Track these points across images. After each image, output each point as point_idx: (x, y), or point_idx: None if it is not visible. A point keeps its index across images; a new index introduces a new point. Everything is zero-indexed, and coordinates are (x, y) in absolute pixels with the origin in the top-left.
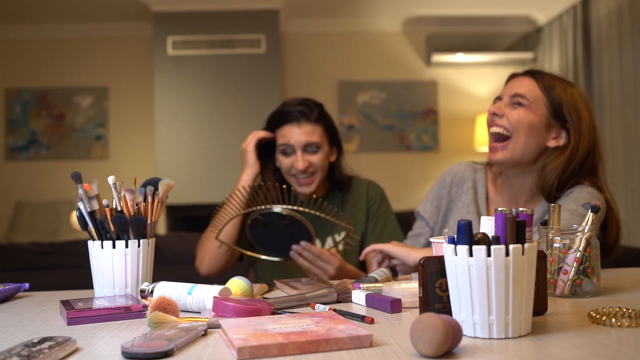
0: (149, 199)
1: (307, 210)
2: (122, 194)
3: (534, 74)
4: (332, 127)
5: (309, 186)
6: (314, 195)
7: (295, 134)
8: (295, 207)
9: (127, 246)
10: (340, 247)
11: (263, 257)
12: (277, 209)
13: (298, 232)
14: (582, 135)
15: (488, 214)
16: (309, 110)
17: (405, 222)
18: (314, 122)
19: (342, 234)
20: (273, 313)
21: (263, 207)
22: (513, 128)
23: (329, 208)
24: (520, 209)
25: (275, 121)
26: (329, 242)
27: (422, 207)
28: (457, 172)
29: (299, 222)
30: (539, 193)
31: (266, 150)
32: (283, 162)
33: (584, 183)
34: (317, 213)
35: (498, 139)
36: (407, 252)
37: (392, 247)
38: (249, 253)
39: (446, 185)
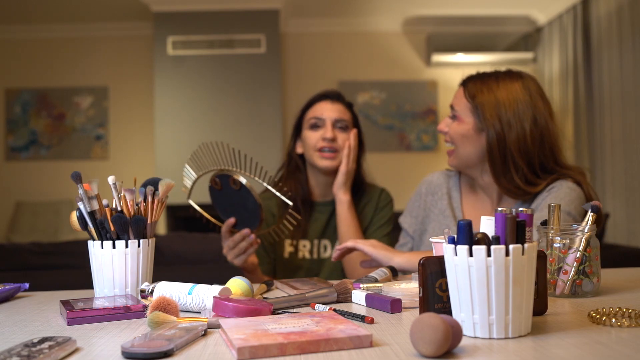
0: (149, 199)
1: (247, 174)
2: (122, 194)
3: (465, 82)
4: (358, 125)
5: (332, 160)
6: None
7: (329, 109)
8: (235, 169)
9: (127, 246)
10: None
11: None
12: (219, 169)
13: (248, 202)
14: (499, 130)
15: (463, 216)
16: (343, 97)
17: None
18: (346, 107)
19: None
20: (273, 313)
21: (215, 168)
22: (453, 140)
23: (273, 179)
24: (521, 209)
25: (309, 103)
26: (324, 244)
27: (402, 218)
28: (430, 181)
29: (246, 190)
30: (504, 194)
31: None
32: (311, 137)
33: (564, 178)
34: (260, 180)
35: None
36: (388, 257)
37: (372, 249)
38: (217, 222)
39: (422, 195)
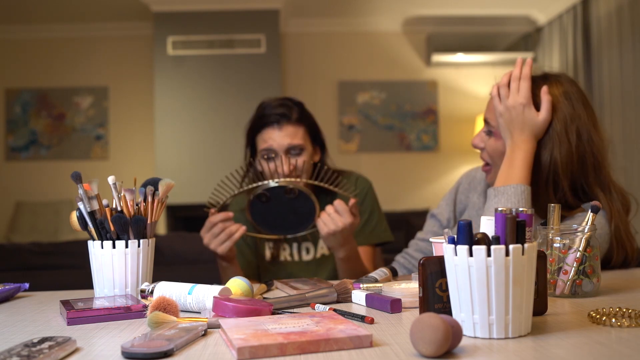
0: (149, 199)
1: (311, 181)
2: (122, 194)
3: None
4: (314, 126)
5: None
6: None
7: (278, 137)
8: (297, 179)
9: (127, 246)
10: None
11: (264, 236)
12: (277, 182)
13: (303, 207)
14: (547, 148)
15: None
16: (289, 112)
17: (404, 223)
18: (295, 124)
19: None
20: (273, 313)
21: (268, 181)
22: (490, 158)
23: (332, 178)
24: (521, 209)
25: (256, 126)
26: (306, 246)
27: (437, 209)
28: (474, 177)
29: (304, 196)
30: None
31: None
32: (265, 167)
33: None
34: (322, 184)
35: (485, 164)
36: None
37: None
38: (249, 234)
39: (463, 188)
